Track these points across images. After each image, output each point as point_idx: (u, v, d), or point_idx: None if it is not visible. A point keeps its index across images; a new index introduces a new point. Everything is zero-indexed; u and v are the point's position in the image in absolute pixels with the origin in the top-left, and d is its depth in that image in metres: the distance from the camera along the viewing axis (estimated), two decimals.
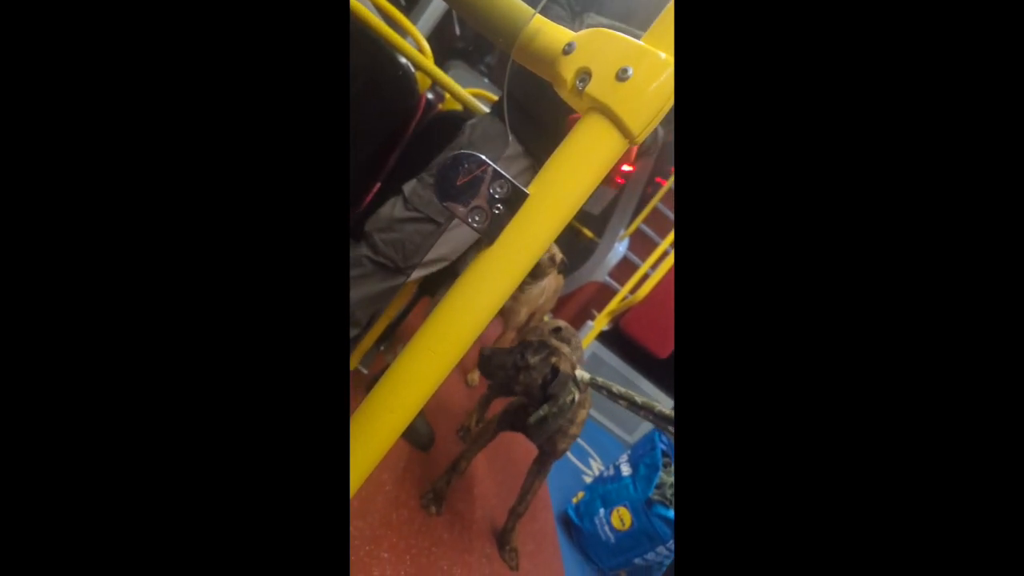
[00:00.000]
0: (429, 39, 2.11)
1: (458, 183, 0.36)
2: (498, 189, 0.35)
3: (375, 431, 0.39)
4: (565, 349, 1.18)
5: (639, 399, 0.82)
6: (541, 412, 1.10)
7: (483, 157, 0.35)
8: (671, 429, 0.75)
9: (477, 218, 0.36)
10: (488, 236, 0.36)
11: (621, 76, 0.32)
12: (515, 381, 1.16)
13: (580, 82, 0.34)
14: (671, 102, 0.32)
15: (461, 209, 0.36)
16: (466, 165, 0.35)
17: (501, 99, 1.14)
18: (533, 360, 1.14)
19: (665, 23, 0.33)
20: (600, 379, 1.04)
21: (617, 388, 0.90)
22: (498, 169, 0.35)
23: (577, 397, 1.14)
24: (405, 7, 3.06)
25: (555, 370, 1.13)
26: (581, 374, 1.12)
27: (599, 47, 0.34)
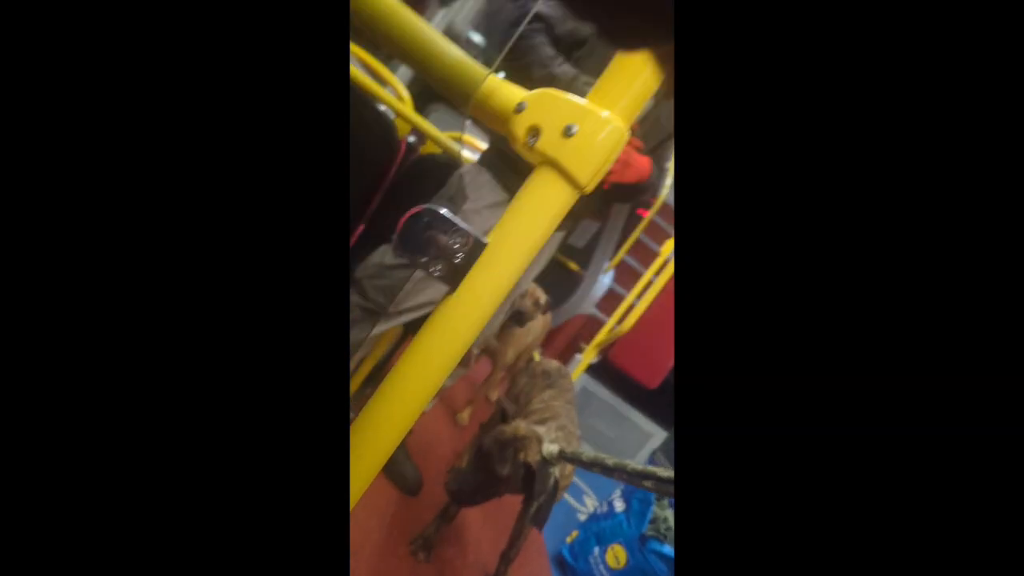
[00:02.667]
0: (411, 84, 2.18)
1: (420, 235, 0.37)
2: (458, 240, 0.37)
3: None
4: (522, 428, 1.11)
5: (610, 462, 0.79)
6: (532, 509, 1.05)
7: (443, 211, 0.37)
8: (647, 484, 0.72)
9: (440, 267, 0.37)
10: (451, 283, 0.37)
11: (567, 132, 0.34)
12: (498, 493, 1.11)
13: (531, 138, 0.36)
14: (614, 156, 0.35)
15: (423, 259, 0.37)
16: (426, 219, 0.37)
17: (487, 150, 1.17)
18: (504, 471, 1.06)
19: (606, 84, 0.35)
20: (569, 451, 1.01)
21: (587, 455, 0.87)
22: (457, 221, 0.37)
23: (558, 474, 1.09)
24: (385, 55, 3.16)
25: (528, 468, 1.05)
26: (549, 449, 1.06)
27: (547, 106, 0.36)
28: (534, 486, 1.04)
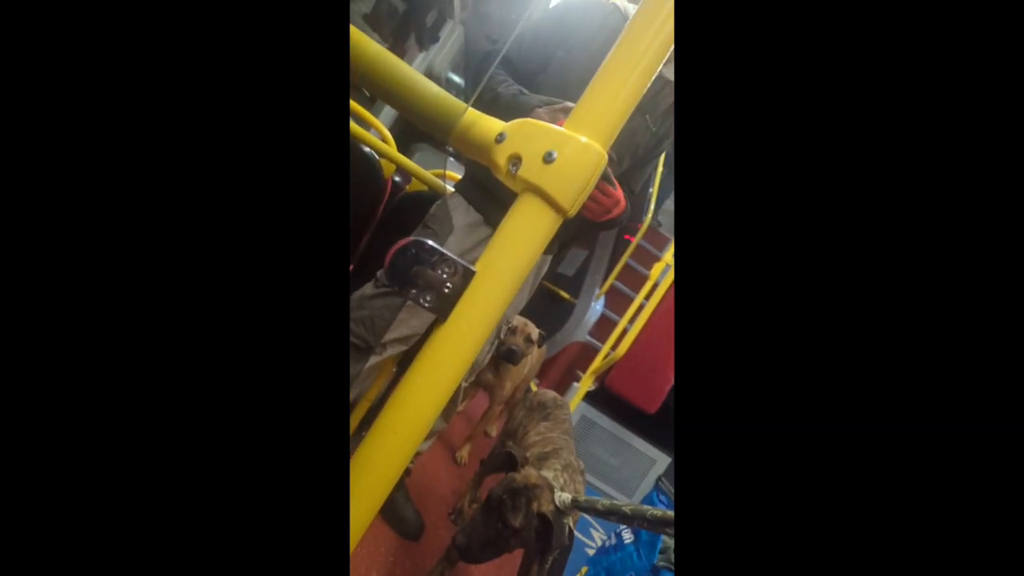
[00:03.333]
0: (395, 125, 2.23)
1: (409, 267, 0.38)
2: (446, 269, 0.37)
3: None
4: (533, 476, 1.06)
5: (627, 509, 0.76)
6: (548, 564, 0.99)
7: (431, 242, 0.37)
8: (669, 531, 0.69)
9: (429, 297, 0.37)
10: (441, 313, 0.37)
11: (547, 159, 0.35)
12: (508, 548, 1.05)
13: (513, 166, 0.37)
14: (595, 179, 0.35)
15: (413, 291, 0.37)
16: (414, 251, 0.37)
17: (462, 178, 1.21)
18: (518, 521, 1.00)
19: (583, 109, 0.37)
20: (583, 499, 0.96)
21: (603, 504, 0.84)
22: (445, 251, 0.37)
23: (572, 522, 1.03)
24: (368, 98, 3.24)
25: (544, 519, 0.99)
26: (562, 498, 1.01)
27: (527, 135, 0.37)
28: (551, 539, 0.97)
